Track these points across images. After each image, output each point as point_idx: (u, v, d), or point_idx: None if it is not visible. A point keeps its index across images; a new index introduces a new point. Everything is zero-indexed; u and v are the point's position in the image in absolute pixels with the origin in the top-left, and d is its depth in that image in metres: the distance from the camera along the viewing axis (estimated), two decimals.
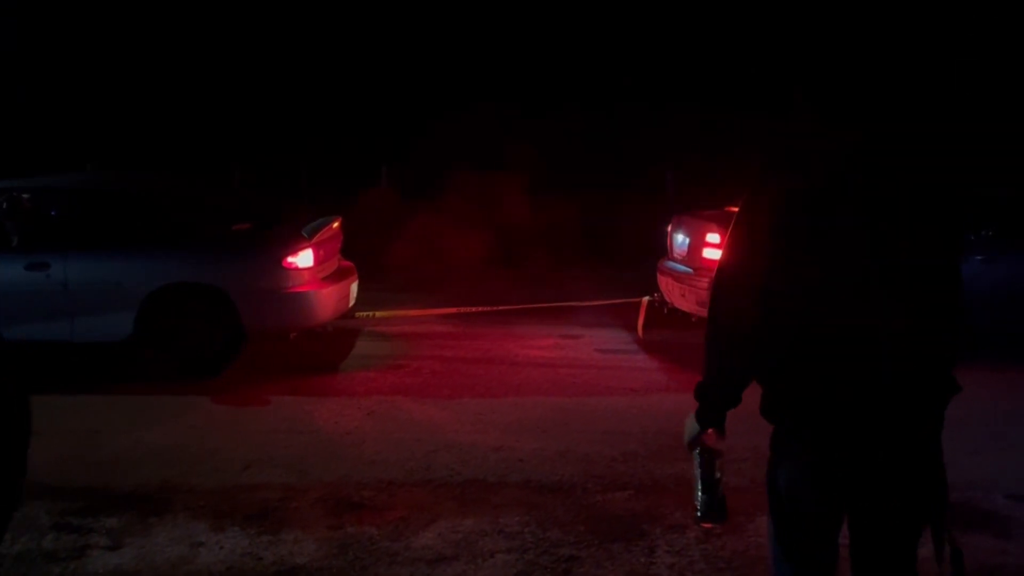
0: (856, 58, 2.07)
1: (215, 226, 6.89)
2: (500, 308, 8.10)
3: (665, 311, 7.83)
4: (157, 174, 8.78)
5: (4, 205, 6.78)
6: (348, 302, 7.26)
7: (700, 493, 2.16)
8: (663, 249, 8.18)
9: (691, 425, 2.17)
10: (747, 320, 1.99)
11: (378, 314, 7.99)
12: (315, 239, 6.77)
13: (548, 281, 8.45)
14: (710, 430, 2.14)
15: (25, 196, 6.74)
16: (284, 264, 6.56)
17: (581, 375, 6.55)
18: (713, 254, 7.12)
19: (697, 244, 7.37)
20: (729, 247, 2.05)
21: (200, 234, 6.73)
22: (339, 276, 7.17)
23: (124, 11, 13.33)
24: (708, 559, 3.64)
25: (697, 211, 7.87)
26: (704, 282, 7.05)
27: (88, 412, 5.77)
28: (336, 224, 7.35)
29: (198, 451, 4.98)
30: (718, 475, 2.15)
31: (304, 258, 6.63)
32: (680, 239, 7.75)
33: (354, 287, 7.39)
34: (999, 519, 4.08)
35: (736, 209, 2.11)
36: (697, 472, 2.17)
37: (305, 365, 6.98)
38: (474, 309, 8.07)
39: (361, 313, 7.81)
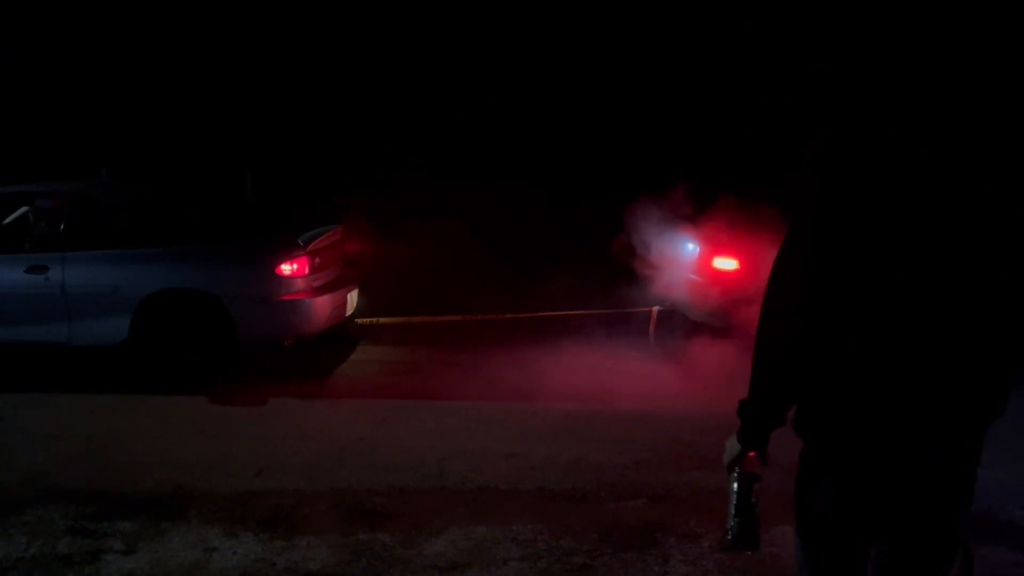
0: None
1: (210, 232, 6.88)
2: (506, 316, 8.09)
3: (676, 320, 7.80)
4: (156, 180, 8.78)
5: (36, 208, 6.88)
6: (345, 310, 7.23)
7: (733, 516, 2.08)
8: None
9: (733, 445, 2.09)
10: (795, 338, 1.94)
11: (381, 320, 7.99)
12: (311, 247, 6.76)
13: (552, 289, 8.41)
14: (752, 453, 2.06)
15: (47, 201, 6.83)
16: (277, 272, 6.56)
17: (591, 382, 6.52)
18: (723, 263, 7.10)
19: (707, 253, 7.35)
20: (777, 263, 1.98)
21: (195, 240, 6.73)
22: (337, 284, 7.13)
23: (141, 17, 13.43)
24: (723, 569, 3.62)
25: (707, 219, 7.82)
26: (715, 291, 7.03)
27: (101, 416, 5.81)
28: (336, 232, 7.36)
29: (211, 456, 5.00)
30: (754, 500, 2.07)
31: (298, 266, 6.64)
32: (690, 248, 7.72)
33: (353, 295, 7.37)
34: (1016, 531, 4.05)
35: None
36: (733, 495, 2.09)
37: (317, 370, 7.01)
38: (478, 317, 8.05)
39: (363, 320, 7.80)
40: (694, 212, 7.66)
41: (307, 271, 6.69)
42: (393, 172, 12.40)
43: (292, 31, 13.31)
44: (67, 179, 7.93)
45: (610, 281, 8.15)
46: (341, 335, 7.64)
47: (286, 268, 6.58)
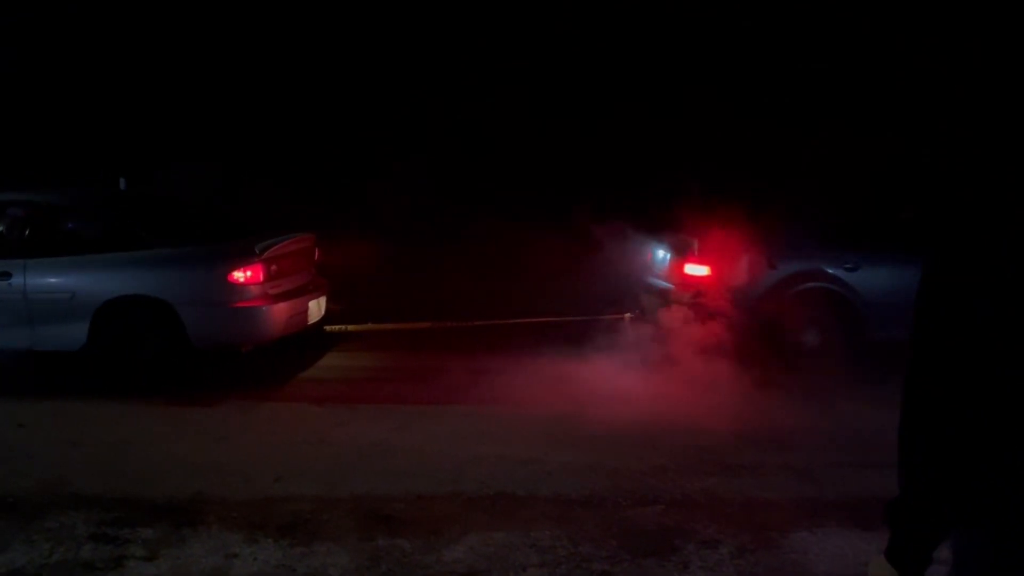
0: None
1: (165, 239, 6.88)
2: (475, 323, 8.10)
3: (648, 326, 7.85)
4: (115, 187, 8.71)
5: (8, 215, 6.91)
6: (306, 318, 7.22)
7: None
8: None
9: (880, 571, 1.64)
10: (961, 415, 1.59)
11: (350, 328, 8.01)
12: (267, 254, 6.77)
13: (538, 294, 8.41)
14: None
15: (18, 209, 6.89)
16: (229, 279, 6.59)
17: (600, 388, 6.53)
18: (694, 270, 7.15)
19: (678, 260, 7.37)
20: (932, 327, 1.67)
21: (149, 247, 6.76)
22: (297, 292, 7.13)
23: (141, 17, 13.42)
24: None
25: (678, 226, 7.80)
26: (685, 297, 7.10)
27: (120, 423, 5.83)
28: (303, 239, 7.38)
29: (228, 462, 5.02)
30: None
31: (251, 273, 6.65)
32: (661, 255, 7.74)
33: (316, 304, 7.37)
34: None
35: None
36: None
37: (333, 376, 7.02)
38: (450, 324, 8.08)
39: (332, 327, 7.81)
40: (666, 219, 7.69)
41: (262, 278, 6.70)
42: (392, 171, 12.40)
43: (293, 31, 13.32)
44: (40, 185, 7.90)
45: (588, 287, 8.18)
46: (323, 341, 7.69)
47: (239, 275, 6.60)
